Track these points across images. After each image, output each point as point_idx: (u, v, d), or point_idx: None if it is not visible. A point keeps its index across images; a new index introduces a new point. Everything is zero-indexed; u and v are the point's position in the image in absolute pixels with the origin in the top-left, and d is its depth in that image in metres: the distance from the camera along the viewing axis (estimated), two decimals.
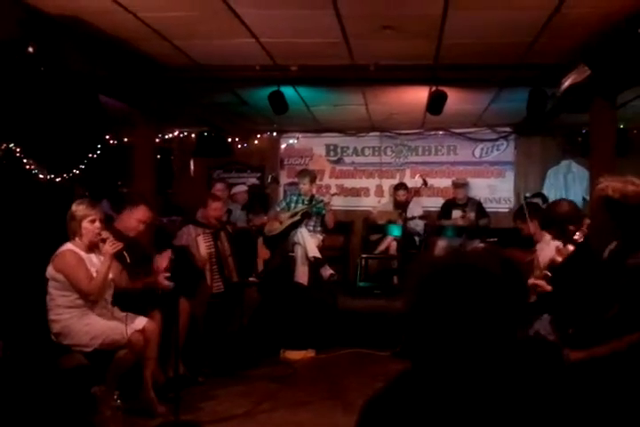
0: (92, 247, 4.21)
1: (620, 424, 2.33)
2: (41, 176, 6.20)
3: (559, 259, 4.14)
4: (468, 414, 1.22)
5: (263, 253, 5.90)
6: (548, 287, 3.84)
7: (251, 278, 5.71)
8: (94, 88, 5.86)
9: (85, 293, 4.04)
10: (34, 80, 4.94)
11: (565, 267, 4.12)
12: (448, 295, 1.28)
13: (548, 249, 4.54)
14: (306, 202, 7.32)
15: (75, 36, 4.84)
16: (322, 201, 7.28)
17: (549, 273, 4.14)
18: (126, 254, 4.53)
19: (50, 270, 4.06)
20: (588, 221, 4.29)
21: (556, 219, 4.37)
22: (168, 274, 4.47)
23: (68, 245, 4.11)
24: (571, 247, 4.17)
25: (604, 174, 2.96)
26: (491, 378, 1.25)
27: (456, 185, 8.46)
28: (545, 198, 8.16)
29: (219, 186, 7.26)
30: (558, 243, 4.39)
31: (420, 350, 1.34)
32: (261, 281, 5.88)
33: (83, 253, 4.11)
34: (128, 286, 4.44)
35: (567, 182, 8.95)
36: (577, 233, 4.15)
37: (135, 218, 4.79)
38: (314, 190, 7.58)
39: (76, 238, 4.12)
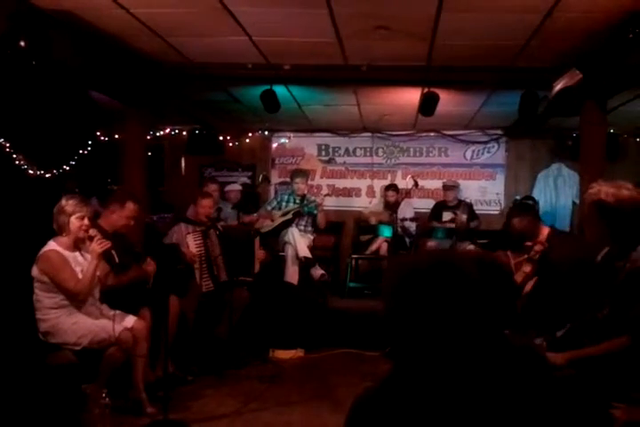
0: (77, 245, 4.15)
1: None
2: (30, 172, 6.17)
3: (519, 279, 4.19)
4: (452, 414, 1.22)
5: (260, 254, 5.86)
6: None
7: (247, 278, 5.69)
8: (86, 84, 5.84)
9: (72, 294, 3.99)
10: (25, 75, 4.91)
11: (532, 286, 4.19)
12: (421, 296, 1.29)
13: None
14: (297, 201, 7.32)
15: (67, 31, 4.81)
16: (314, 201, 7.28)
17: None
18: (114, 253, 4.50)
19: (34, 271, 4.00)
20: (545, 231, 4.34)
21: (513, 236, 4.43)
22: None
23: (52, 245, 4.03)
24: (527, 268, 4.22)
25: (597, 179, 2.97)
26: (473, 378, 1.25)
27: (446, 187, 8.48)
28: (535, 201, 8.19)
29: (212, 186, 7.25)
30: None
31: (400, 350, 1.34)
32: (254, 281, 5.86)
33: (67, 253, 4.05)
34: (114, 283, 4.42)
35: (557, 186, 9.01)
36: (532, 250, 4.21)
37: (125, 216, 4.73)
38: (306, 190, 7.58)
39: (62, 234, 4.07)
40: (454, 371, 1.26)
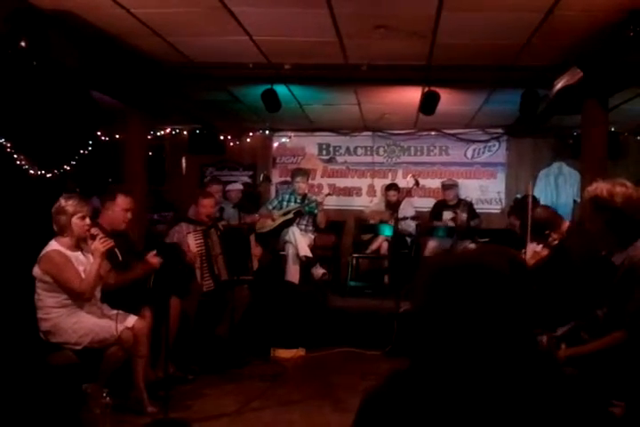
0: (79, 244, 4.15)
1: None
2: (31, 172, 6.17)
3: (532, 261, 4.23)
4: (470, 416, 1.22)
5: (256, 250, 5.86)
6: None
7: (247, 277, 5.68)
8: (86, 84, 5.84)
9: (77, 293, 3.99)
10: (26, 75, 4.91)
11: (544, 269, 4.20)
12: (459, 296, 1.28)
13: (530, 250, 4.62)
14: (298, 201, 7.32)
15: (67, 31, 4.82)
16: (315, 200, 7.28)
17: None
18: (117, 252, 4.51)
19: (37, 271, 3.99)
20: (566, 224, 4.40)
21: (536, 224, 4.47)
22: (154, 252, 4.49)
23: (54, 245, 4.02)
24: (544, 252, 4.25)
25: (596, 179, 2.98)
26: (499, 381, 1.25)
27: (445, 186, 8.48)
28: (536, 200, 8.19)
29: (215, 187, 7.26)
30: (538, 247, 4.48)
31: (426, 350, 1.33)
32: (255, 279, 5.86)
33: (69, 252, 4.04)
34: (117, 282, 4.42)
35: (558, 184, 9.01)
36: (552, 236, 4.26)
37: (119, 209, 4.70)
38: (307, 189, 7.58)
39: (63, 235, 4.05)
40: (480, 371, 1.25)
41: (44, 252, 4.02)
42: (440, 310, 1.29)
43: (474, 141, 9.27)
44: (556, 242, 4.27)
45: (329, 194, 8.15)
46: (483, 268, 1.31)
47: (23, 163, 6.12)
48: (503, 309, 1.26)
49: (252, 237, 5.87)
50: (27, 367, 3.92)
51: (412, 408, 1.25)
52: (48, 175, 6.42)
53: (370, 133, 9.41)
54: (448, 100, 6.55)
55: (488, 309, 1.25)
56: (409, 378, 1.31)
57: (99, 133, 8.29)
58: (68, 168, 6.79)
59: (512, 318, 1.27)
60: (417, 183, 7.81)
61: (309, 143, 9.69)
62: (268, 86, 6.25)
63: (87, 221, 4.07)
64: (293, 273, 6.96)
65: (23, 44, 4.08)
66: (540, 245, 4.47)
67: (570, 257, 4.10)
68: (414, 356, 1.34)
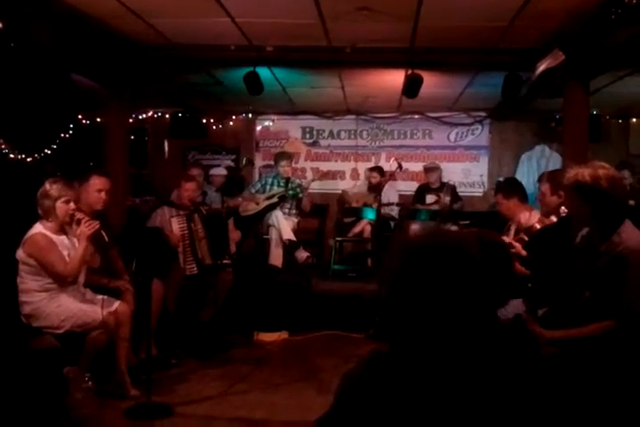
0: (63, 228, 4.14)
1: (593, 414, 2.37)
2: (11, 156, 6.10)
3: (537, 226, 4.18)
4: (445, 398, 1.22)
5: (235, 234, 5.83)
6: (523, 252, 3.86)
7: (225, 261, 5.67)
8: (66, 66, 5.76)
9: (62, 277, 3.99)
10: (3, 57, 4.83)
11: (542, 242, 4.15)
12: (425, 276, 1.28)
13: (526, 217, 4.55)
14: (282, 184, 7.29)
15: (46, 12, 4.72)
16: (300, 185, 7.26)
17: (526, 237, 4.17)
18: (104, 233, 4.47)
19: (20, 254, 3.98)
20: None
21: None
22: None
23: (39, 228, 4.01)
24: (553, 218, 4.21)
25: (580, 161, 2.97)
26: (468, 360, 1.26)
27: (427, 169, 8.49)
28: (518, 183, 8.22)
29: (195, 171, 7.22)
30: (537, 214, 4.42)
31: (397, 331, 1.34)
32: (234, 262, 5.85)
33: (54, 236, 4.04)
34: (99, 266, 4.40)
35: (540, 167, 9.05)
36: (562, 207, 4.18)
37: (92, 190, 4.57)
38: (291, 173, 7.55)
39: (48, 219, 4.04)
40: (452, 353, 1.26)
41: (28, 235, 4.00)
42: (408, 291, 1.30)
43: (457, 125, 9.29)
44: (565, 214, 4.21)
45: (314, 179, 8.12)
46: (450, 249, 1.31)
47: (3, 147, 6.05)
48: (472, 290, 1.27)
49: (231, 222, 5.83)
50: (7, 352, 3.90)
51: (390, 390, 1.26)
52: (28, 159, 6.35)
53: (353, 117, 9.39)
54: (431, 83, 6.54)
55: (456, 289, 1.26)
56: (386, 360, 1.32)
57: (79, 117, 8.19)
58: (49, 152, 6.72)
59: (480, 298, 1.28)
60: (400, 167, 7.82)
61: (293, 127, 9.64)
62: (251, 69, 6.20)
63: (72, 205, 4.05)
64: (277, 257, 6.96)
65: (0, 25, 4.01)
66: (537, 214, 4.42)
67: (569, 235, 4.07)
68: (390, 338, 1.35)
